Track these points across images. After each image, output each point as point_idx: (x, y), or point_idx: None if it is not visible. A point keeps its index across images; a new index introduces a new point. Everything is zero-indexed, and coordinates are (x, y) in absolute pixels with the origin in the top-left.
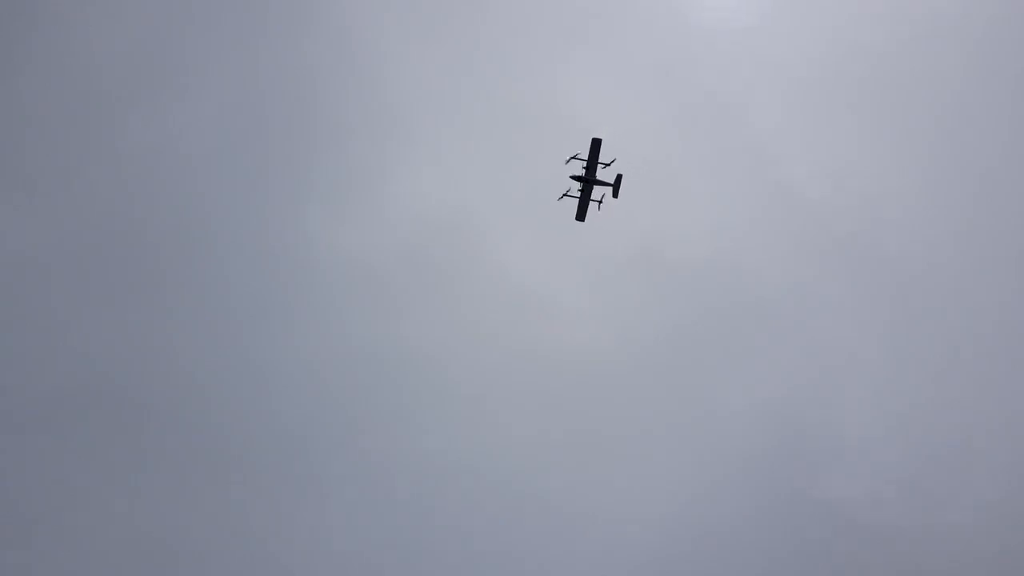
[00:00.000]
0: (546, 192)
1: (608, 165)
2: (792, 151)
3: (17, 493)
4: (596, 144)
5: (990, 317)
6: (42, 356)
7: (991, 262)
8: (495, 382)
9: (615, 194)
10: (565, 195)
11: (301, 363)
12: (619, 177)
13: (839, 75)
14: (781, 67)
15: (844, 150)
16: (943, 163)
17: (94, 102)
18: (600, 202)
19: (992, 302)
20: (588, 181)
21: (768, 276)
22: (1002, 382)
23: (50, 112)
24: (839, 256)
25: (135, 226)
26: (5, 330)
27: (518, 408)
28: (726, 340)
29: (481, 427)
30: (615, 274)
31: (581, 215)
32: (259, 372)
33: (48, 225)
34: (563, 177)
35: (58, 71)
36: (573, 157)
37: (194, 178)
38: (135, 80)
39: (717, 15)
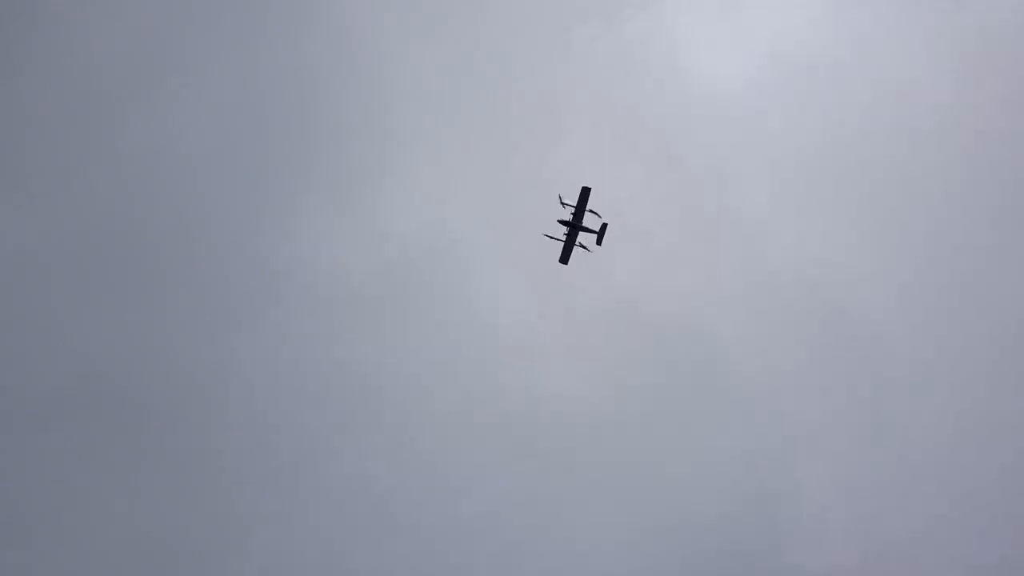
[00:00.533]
0: (536, 224)
1: (596, 213)
2: (779, 225)
3: (17, 493)
4: (585, 192)
5: (958, 404)
6: (42, 356)
7: (962, 352)
8: (457, 413)
9: (599, 241)
10: (551, 238)
11: (290, 364)
12: (604, 226)
13: (834, 157)
14: (778, 141)
15: (831, 232)
16: (926, 253)
17: (94, 102)
18: (585, 247)
19: (959, 387)
20: (574, 227)
21: (742, 343)
22: (963, 460)
23: (50, 112)
24: (814, 332)
25: (135, 226)
26: (5, 330)
27: (479, 442)
28: (694, 400)
29: (439, 457)
30: (592, 321)
31: (565, 258)
32: (255, 372)
33: (48, 225)
34: (555, 212)
35: (58, 71)
36: (563, 202)
37: (194, 178)
38: (135, 80)
39: (721, 82)
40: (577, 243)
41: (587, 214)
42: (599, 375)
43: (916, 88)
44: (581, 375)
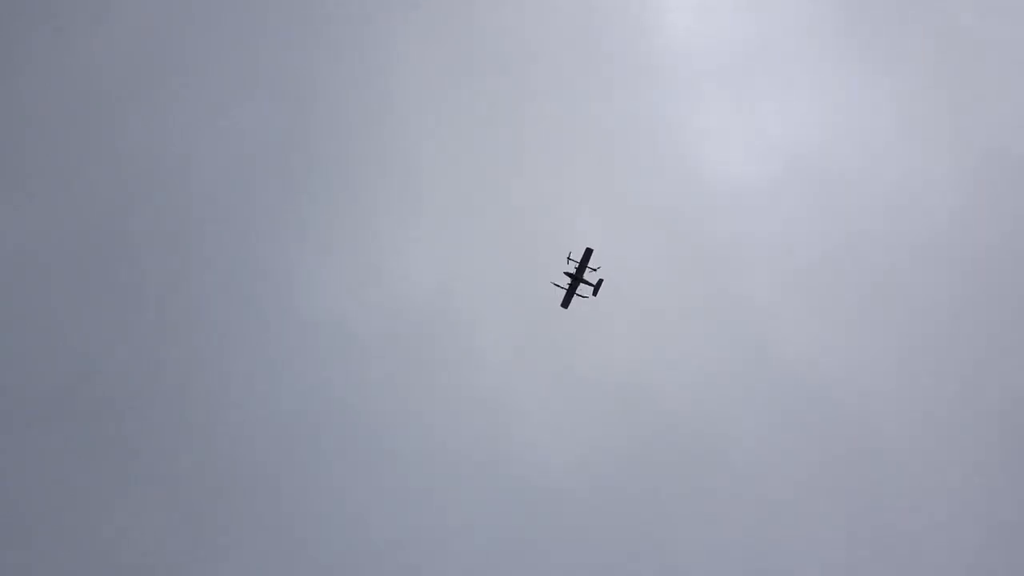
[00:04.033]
0: (541, 289)
1: (595, 270)
2: (783, 318)
3: (17, 493)
4: (588, 252)
5: (955, 512)
6: (42, 356)
7: (962, 462)
8: (444, 474)
9: (595, 293)
10: (557, 286)
11: (281, 369)
12: (600, 281)
13: (841, 255)
14: (794, 236)
15: (840, 332)
16: (933, 361)
17: (94, 102)
18: (583, 296)
19: (957, 496)
20: (576, 279)
21: (738, 430)
22: (948, 554)
23: (50, 112)
24: (811, 424)
25: (134, 226)
26: (5, 330)
27: (462, 507)
28: (686, 485)
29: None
30: (587, 392)
31: (565, 304)
32: (250, 373)
33: (48, 225)
34: (555, 276)
35: (58, 71)
36: (569, 258)
37: (193, 179)
38: (135, 80)
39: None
40: (576, 293)
41: (588, 271)
42: (586, 448)
43: (928, 198)
44: (567, 445)
